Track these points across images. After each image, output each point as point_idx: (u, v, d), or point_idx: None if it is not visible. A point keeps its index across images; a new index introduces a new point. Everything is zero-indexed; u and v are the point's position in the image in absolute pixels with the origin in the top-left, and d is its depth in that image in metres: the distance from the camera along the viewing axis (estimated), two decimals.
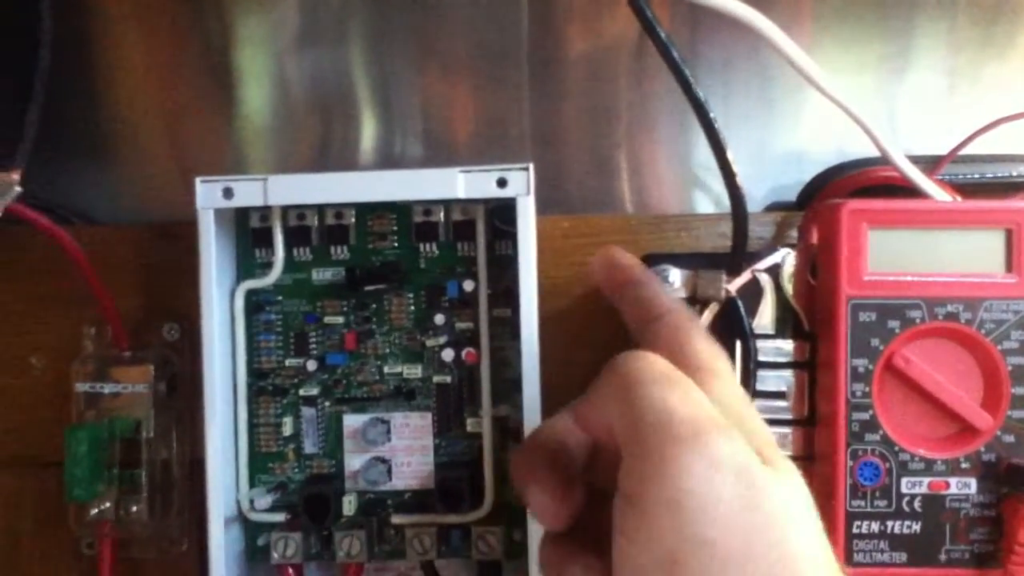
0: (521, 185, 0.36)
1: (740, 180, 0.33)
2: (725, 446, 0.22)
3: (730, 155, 0.33)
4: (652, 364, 0.24)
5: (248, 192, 0.37)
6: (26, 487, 0.43)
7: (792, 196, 0.45)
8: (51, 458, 0.42)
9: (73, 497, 0.39)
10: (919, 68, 0.45)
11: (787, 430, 0.36)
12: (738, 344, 0.35)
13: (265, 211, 0.40)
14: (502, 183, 0.37)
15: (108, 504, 0.41)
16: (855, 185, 0.40)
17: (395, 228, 0.40)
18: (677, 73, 0.32)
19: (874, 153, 0.41)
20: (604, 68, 0.45)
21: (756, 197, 0.45)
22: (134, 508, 0.41)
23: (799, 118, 0.46)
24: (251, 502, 0.39)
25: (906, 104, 0.46)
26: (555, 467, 0.26)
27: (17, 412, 0.43)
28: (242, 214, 0.40)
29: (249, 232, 0.40)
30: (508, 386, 0.39)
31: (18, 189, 0.35)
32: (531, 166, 0.36)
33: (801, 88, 0.45)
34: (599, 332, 0.42)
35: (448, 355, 0.39)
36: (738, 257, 0.34)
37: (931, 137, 0.44)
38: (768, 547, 0.21)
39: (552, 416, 0.28)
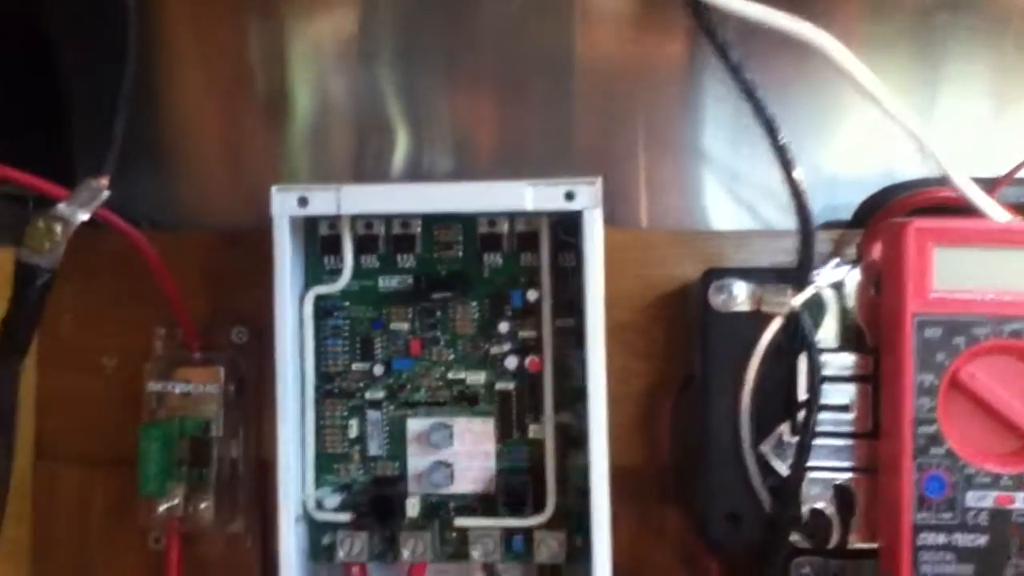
0: (589, 198, 0.37)
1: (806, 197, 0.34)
2: None
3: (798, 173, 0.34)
4: None
5: (322, 201, 0.38)
6: (96, 484, 0.45)
7: (842, 216, 0.45)
8: (120, 456, 0.43)
9: (145, 492, 0.41)
10: (964, 92, 0.46)
11: (851, 442, 0.36)
12: (802, 358, 0.36)
13: (334, 219, 0.41)
14: (570, 196, 0.37)
15: (177, 500, 0.42)
16: (913, 205, 0.40)
17: (460, 238, 0.41)
18: (748, 95, 0.33)
19: (921, 175, 0.42)
20: (653, 85, 0.46)
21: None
22: (202, 505, 0.42)
23: (848, 140, 0.47)
24: (318, 502, 0.40)
25: (951, 127, 0.46)
26: None
27: (88, 411, 0.44)
28: (311, 222, 0.41)
29: (318, 240, 0.41)
30: (570, 394, 0.40)
31: (106, 193, 0.36)
32: (599, 180, 0.37)
33: (850, 110, 0.46)
34: (657, 344, 0.43)
35: (511, 363, 0.40)
36: (804, 272, 0.35)
37: (976, 160, 0.45)
38: None
39: None
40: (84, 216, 0.36)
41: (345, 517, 0.40)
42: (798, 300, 0.35)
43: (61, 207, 0.35)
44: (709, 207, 0.45)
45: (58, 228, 0.35)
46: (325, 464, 0.41)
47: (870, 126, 0.45)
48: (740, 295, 0.36)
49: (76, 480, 0.45)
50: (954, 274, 0.33)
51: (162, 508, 0.42)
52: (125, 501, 0.44)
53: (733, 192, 0.46)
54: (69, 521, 0.45)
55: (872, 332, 0.36)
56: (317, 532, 0.41)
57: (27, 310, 0.34)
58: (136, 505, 0.43)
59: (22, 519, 0.44)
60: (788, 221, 0.43)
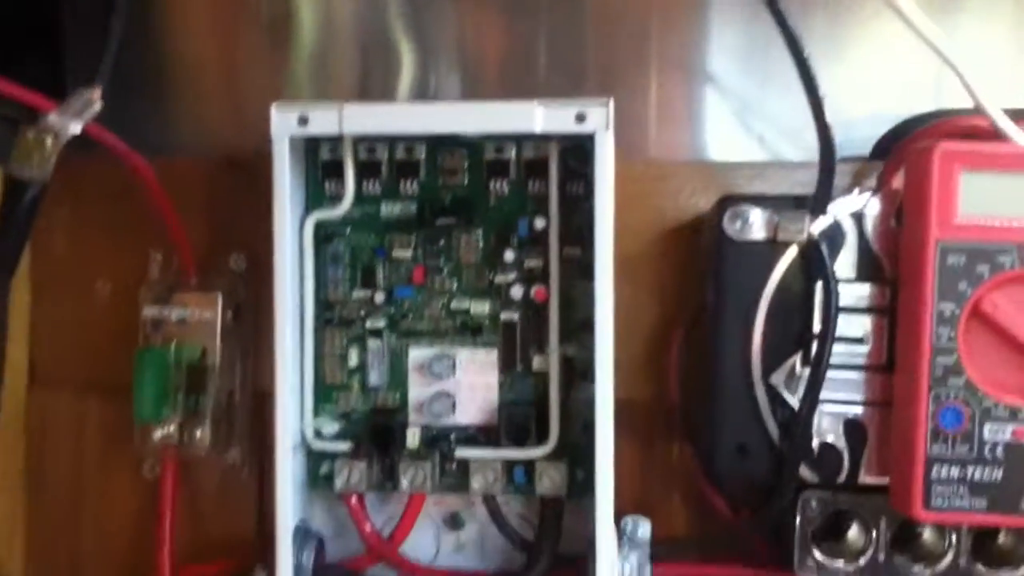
0: (600, 120, 0.36)
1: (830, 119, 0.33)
2: None
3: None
4: None
5: (323, 120, 0.37)
6: (90, 411, 0.44)
7: (859, 151, 0.44)
8: (115, 383, 0.42)
9: (141, 418, 0.40)
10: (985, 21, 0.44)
11: (864, 376, 0.35)
12: (818, 288, 0.35)
13: (335, 144, 0.40)
14: (581, 118, 0.36)
15: (172, 429, 0.41)
16: (937, 135, 0.39)
17: (466, 164, 0.40)
18: (770, 5, 0.32)
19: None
20: (666, 6, 0.44)
21: None
22: (198, 433, 0.41)
23: (866, 73, 0.45)
24: (316, 432, 0.40)
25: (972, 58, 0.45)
26: None
27: (82, 337, 0.43)
28: (312, 146, 0.40)
29: (319, 164, 0.40)
30: (575, 326, 0.39)
31: (99, 105, 0.34)
32: (611, 101, 0.36)
33: (864, 43, 0.44)
34: (666, 278, 0.42)
35: (517, 292, 0.39)
36: (824, 197, 0.34)
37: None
38: None
39: None
40: (76, 128, 0.34)
41: (344, 446, 0.40)
42: (816, 228, 0.34)
43: (51, 117, 0.33)
44: (721, 138, 0.44)
45: (48, 140, 0.33)
46: (324, 394, 0.40)
47: (885, 60, 0.44)
48: (756, 222, 0.35)
49: (70, 408, 0.44)
50: (981, 200, 0.32)
51: (157, 435, 0.41)
52: (120, 429, 0.43)
53: (745, 123, 0.44)
54: (63, 450, 0.44)
55: (891, 263, 0.35)
56: (315, 462, 0.40)
57: (16, 226, 0.33)
58: (131, 433, 0.42)
59: (15, 450, 0.43)
60: (801, 155, 0.42)
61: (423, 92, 0.45)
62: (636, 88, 0.44)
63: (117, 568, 0.43)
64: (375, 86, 0.46)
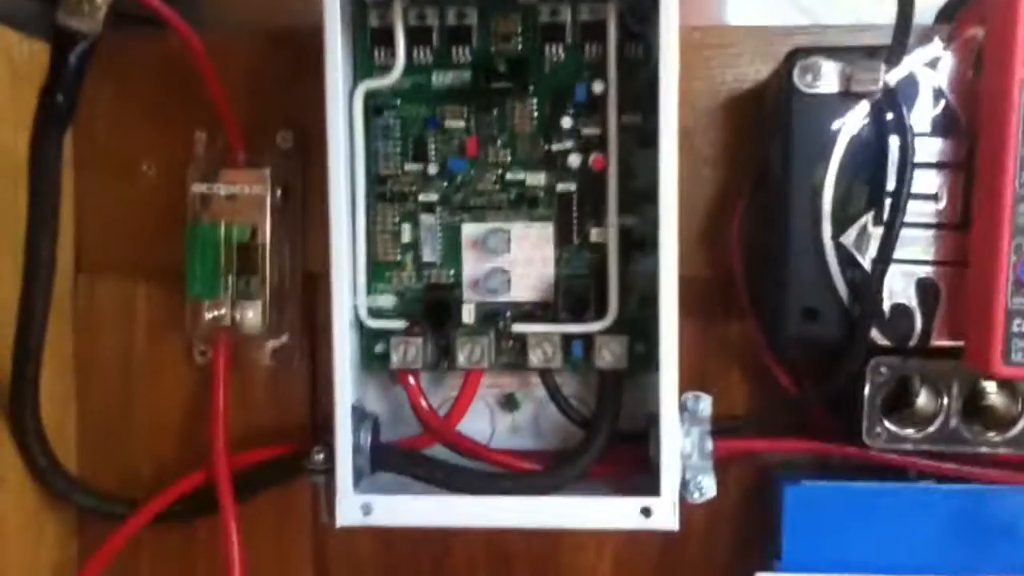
0: None
1: None
2: None
3: None
4: None
5: None
6: (138, 293, 0.43)
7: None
8: (163, 265, 0.42)
9: (193, 293, 0.39)
10: None
11: (937, 234, 0.34)
12: (893, 142, 0.34)
13: (384, 10, 0.38)
14: None
15: (223, 310, 0.40)
16: None
17: (519, 29, 0.38)
18: None
19: None
20: None
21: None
22: (250, 314, 0.40)
23: None
24: (370, 310, 0.39)
25: None
26: None
27: (128, 218, 0.43)
28: (360, 14, 0.39)
29: (368, 31, 0.39)
30: (634, 196, 0.38)
31: None
32: None
33: None
34: (725, 150, 0.41)
35: (574, 161, 0.38)
36: (902, 41, 0.32)
37: None
38: None
39: None
40: None
41: (399, 324, 0.39)
42: (893, 76, 0.33)
43: None
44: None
45: None
46: (377, 272, 0.40)
47: None
48: (828, 74, 0.34)
49: (118, 292, 0.43)
50: None
51: (208, 317, 0.40)
52: (169, 314, 0.43)
53: None
54: (112, 336, 0.43)
55: (967, 115, 0.34)
56: (370, 340, 0.40)
57: (67, 79, 0.32)
58: (181, 318, 0.42)
59: (64, 337, 0.43)
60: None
61: None
62: None
63: (171, 454, 0.43)
64: None
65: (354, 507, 0.37)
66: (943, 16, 0.40)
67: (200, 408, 0.42)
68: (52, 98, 0.33)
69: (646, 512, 0.36)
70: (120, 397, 0.44)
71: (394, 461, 0.39)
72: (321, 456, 0.39)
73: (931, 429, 0.36)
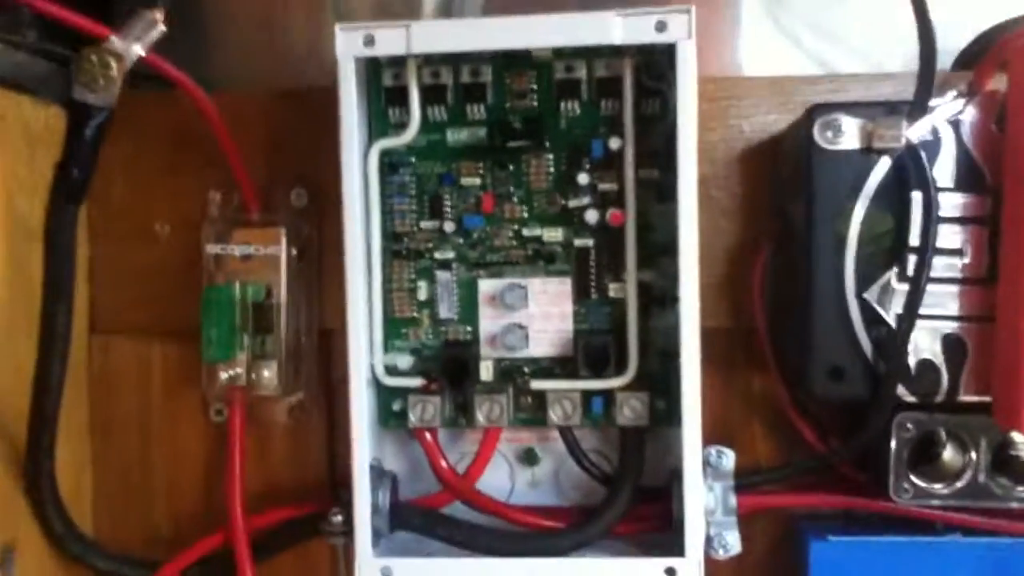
0: (682, 28, 0.34)
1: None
2: None
3: None
4: None
5: (390, 39, 0.35)
6: (154, 355, 0.43)
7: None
8: (178, 326, 0.42)
9: (209, 358, 0.39)
10: None
11: (963, 289, 0.34)
12: (916, 197, 0.33)
13: (398, 69, 0.38)
14: (661, 27, 0.34)
15: (239, 370, 0.40)
16: None
17: (534, 86, 0.38)
18: None
19: None
20: None
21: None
22: (265, 373, 0.40)
23: None
24: (387, 368, 0.39)
25: None
26: None
27: (142, 281, 0.43)
28: (375, 72, 0.38)
29: (382, 91, 0.39)
30: (651, 251, 0.38)
31: (161, 28, 0.33)
32: (693, 8, 0.34)
33: None
34: (743, 200, 0.40)
35: (591, 216, 0.38)
36: (924, 98, 0.32)
37: None
38: None
39: None
40: (139, 51, 0.33)
41: (416, 382, 0.39)
42: (915, 132, 0.33)
43: (114, 40, 0.32)
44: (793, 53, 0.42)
45: (112, 63, 0.32)
46: (393, 329, 0.39)
47: None
48: (848, 131, 0.34)
49: (133, 353, 0.43)
50: None
51: (224, 377, 0.40)
52: (184, 373, 0.42)
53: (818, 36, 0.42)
54: (128, 397, 0.43)
55: (991, 169, 0.33)
56: (386, 398, 0.39)
57: (83, 154, 0.32)
58: (196, 377, 0.41)
59: (79, 399, 0.43)
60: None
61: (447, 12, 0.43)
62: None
63: (189, 512, 0.43)
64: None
65: (374, 572, 0.36)
66: (961, 63, 0.40)
67: (218, 465, 0.42)
68: (68, 172, 0.33)
69: (671, 573, 0.35)
70: (137, 457, 0.43)
71: (414, 521, 0.38)
72: (339, 518, 0.38)
73: (959, 484, 0.36)
